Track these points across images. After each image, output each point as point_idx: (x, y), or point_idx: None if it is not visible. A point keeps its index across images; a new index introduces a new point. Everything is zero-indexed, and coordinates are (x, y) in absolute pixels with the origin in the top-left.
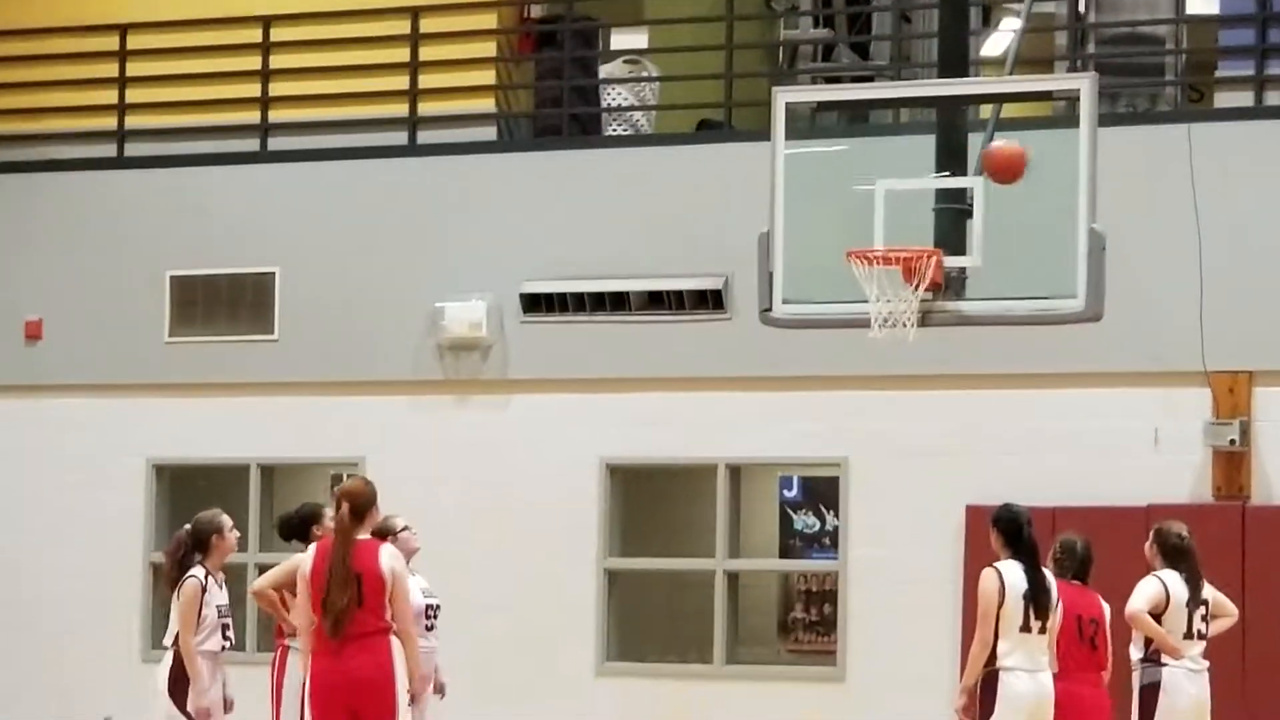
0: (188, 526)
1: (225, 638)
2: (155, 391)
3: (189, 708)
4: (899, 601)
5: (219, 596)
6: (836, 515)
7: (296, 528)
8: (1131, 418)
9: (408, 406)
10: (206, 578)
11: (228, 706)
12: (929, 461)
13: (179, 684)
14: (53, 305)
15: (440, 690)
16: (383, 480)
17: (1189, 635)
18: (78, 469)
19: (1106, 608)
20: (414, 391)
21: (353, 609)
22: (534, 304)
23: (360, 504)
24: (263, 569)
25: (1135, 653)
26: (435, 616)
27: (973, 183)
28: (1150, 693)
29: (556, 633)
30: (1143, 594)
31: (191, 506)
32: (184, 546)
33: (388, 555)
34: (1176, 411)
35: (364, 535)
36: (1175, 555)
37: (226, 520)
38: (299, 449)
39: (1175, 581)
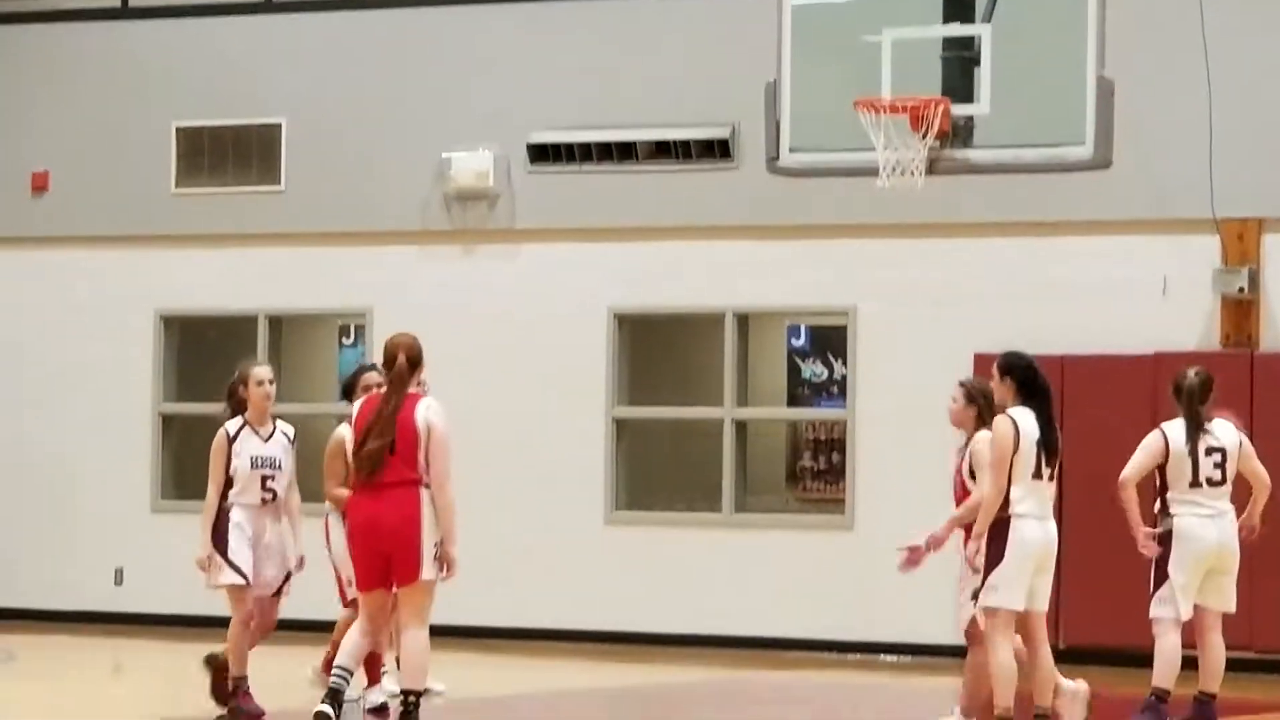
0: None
1: (265, 489)
2: (162, 243)
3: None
4: (907, 450)
5: (255, 447)
6: (844, 364)
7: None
8: (1140, 265)
9: (415, 257)
10: (241, 429)
11: (299, 565)
12: (937, 310)
13: (219, 533)
14: (59, 157)
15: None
16: (390, 330)
17: (1195, 484)
18: (86, 321)
19: None
20: (422, 242)
21: (385, 457)
22: (541, 154)
23: (415, 356)
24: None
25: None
26: None
27: (980, 30)
28: (1164, 541)
29: (565, 482)
30: (1135, 457)
31: (200, 358)
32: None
33: (424, 408)
34: (1185, 259)
35: (410, 389)
36: (1175, 397)
37: (259, 371)
38: (307, 300)
39: (1175, 430)
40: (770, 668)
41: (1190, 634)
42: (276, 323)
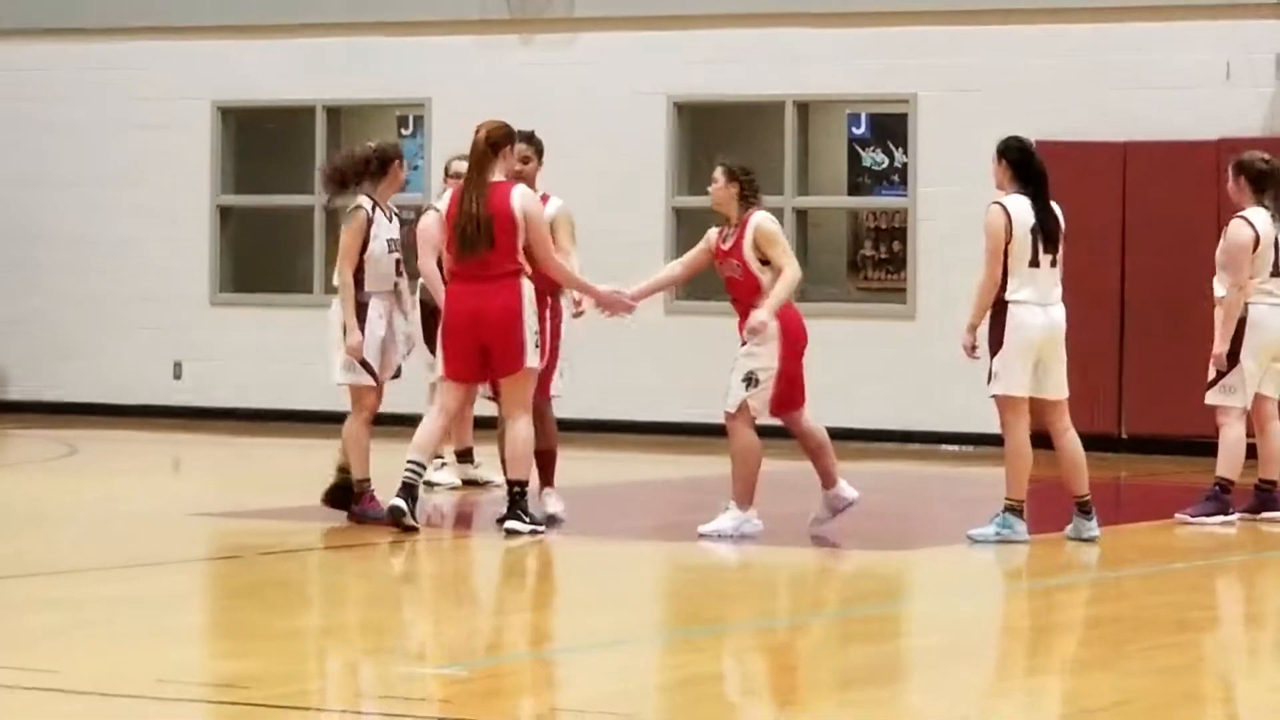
0: (350, 152)
1: (398, 273)
2: (220, 33)
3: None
4: (968, 238)
5: (388, 230)
6: (905, 152)
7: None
8: (1203, 50)
9: (474, 46)
10: (374, 210)
11: (410, 341)
12: (998, 96)
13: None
14: None
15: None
16: (448, 120)
17: (1276, 273)
18: (144, 112)
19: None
20: (480, 31)
21: (483, 250)
22: None
23: (497, 136)
24: (329, 211)
25: (1219, 288)
26: None
27: None
28: (1237, 327)
29: (624, 271)
30: (1230, 252)
31: (258, 149)
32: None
33: (519, 195)
34: (1248, 43)
35: (498, 176)
36: (1258, 182)
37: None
38: (365, 90)
39: (1261, 219)
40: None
41: (1248, 423)
42: (334, 114)
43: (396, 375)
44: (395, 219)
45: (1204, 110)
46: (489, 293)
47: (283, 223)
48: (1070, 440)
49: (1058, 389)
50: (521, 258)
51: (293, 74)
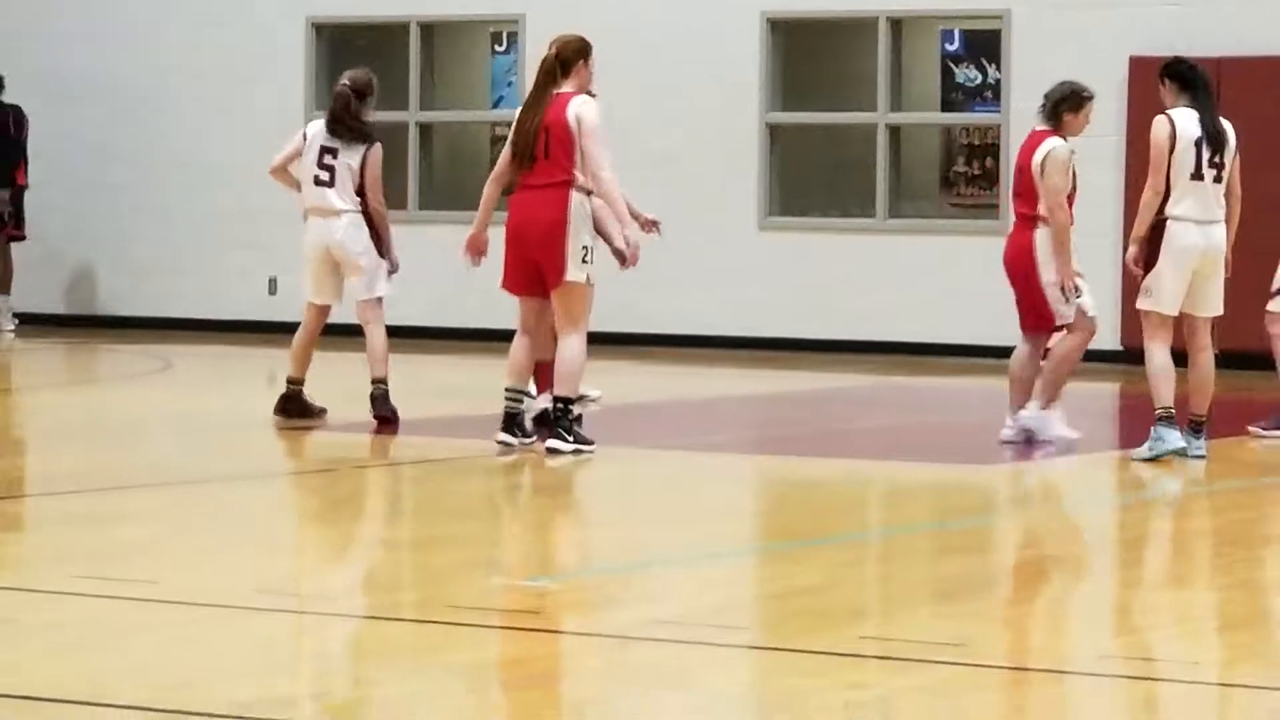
0: (344, 81)
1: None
2: None
3: (389, 261)
4: None
5: None
6: (998, 68)
7: None
8: None
9: None
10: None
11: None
12: (1093, 12)
13: (385, 241)
14: None
15: (653, 225)
16: (542, 37)
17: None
18: (238, 29)
19: (1042, 154)
20: None
21: (537, 159)
22: None
23: (567, 53)
24: (423, 128)
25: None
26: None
27: None
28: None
29: (719, 187)
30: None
31: (351, 66)
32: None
33: (576, 104)
34: None
35: (568, 89)
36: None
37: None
38: (459, 6)
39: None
40: (922, 373)
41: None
42: (428, 30)
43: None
44: None
45: None
46: (537, 203)
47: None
48: (1206, 360)
49: (1212, 307)
50: (577, 169)
51: None
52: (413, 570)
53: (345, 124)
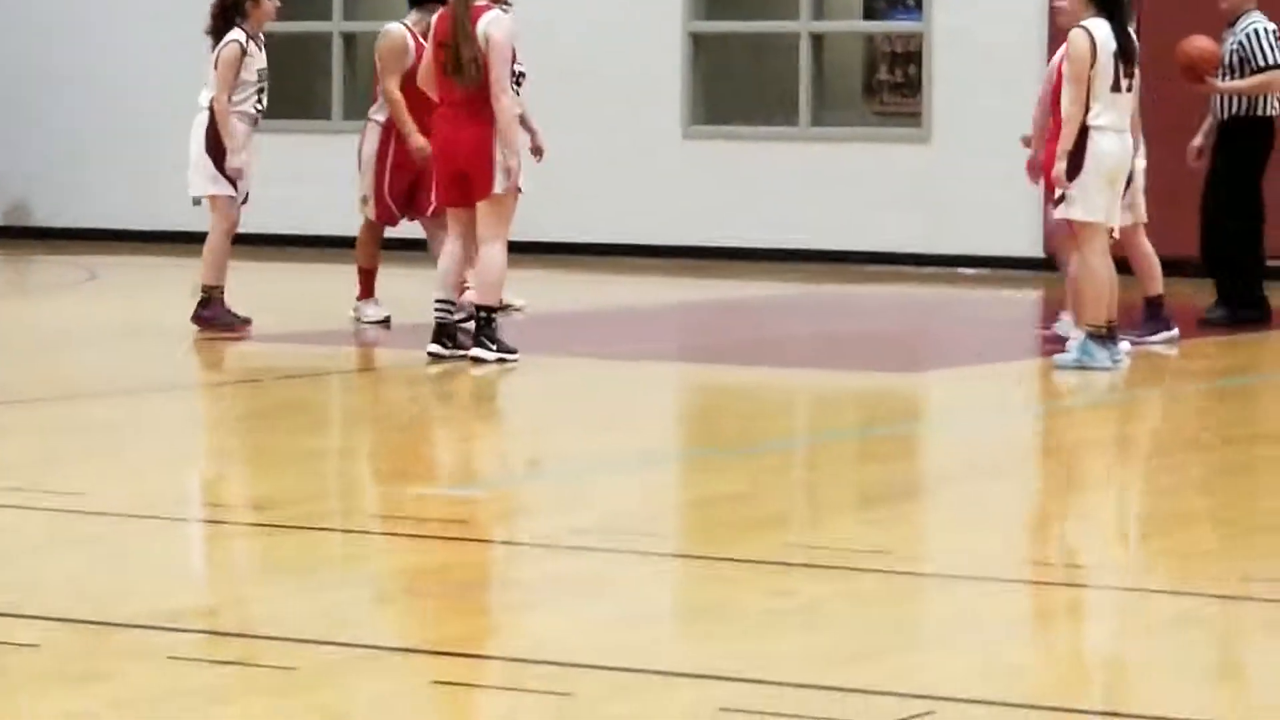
0: None
1: (260, 103)
2: None
3: (225, 168)
4: (984, 64)
5: (258, 60)
6: None
7: None
8: None
9: None
10: (247, 41)
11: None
12: None
13: (216, 144)
14: None
15: (538, 152)
16: None
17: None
18: None
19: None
20: None
21: (470, 76)
22: None
23: None
24: (346, 38)
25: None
26: (520, 84)
27: None
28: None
29: (642, 96)
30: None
31: None
32: (224, 7)
33: (486, 20)
34: None
35: (480, 1)
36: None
37: None
38: None
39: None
40: (847, 281)
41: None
42: None
43: (245, 200)
44: (263, 50)
45: None
46: (461, 118)
47: (300, 50)
48: (1111, 265)
49: (1119, 215)
50: (496, 84)
51: None
52: (335, 480)
53: (212, 22)
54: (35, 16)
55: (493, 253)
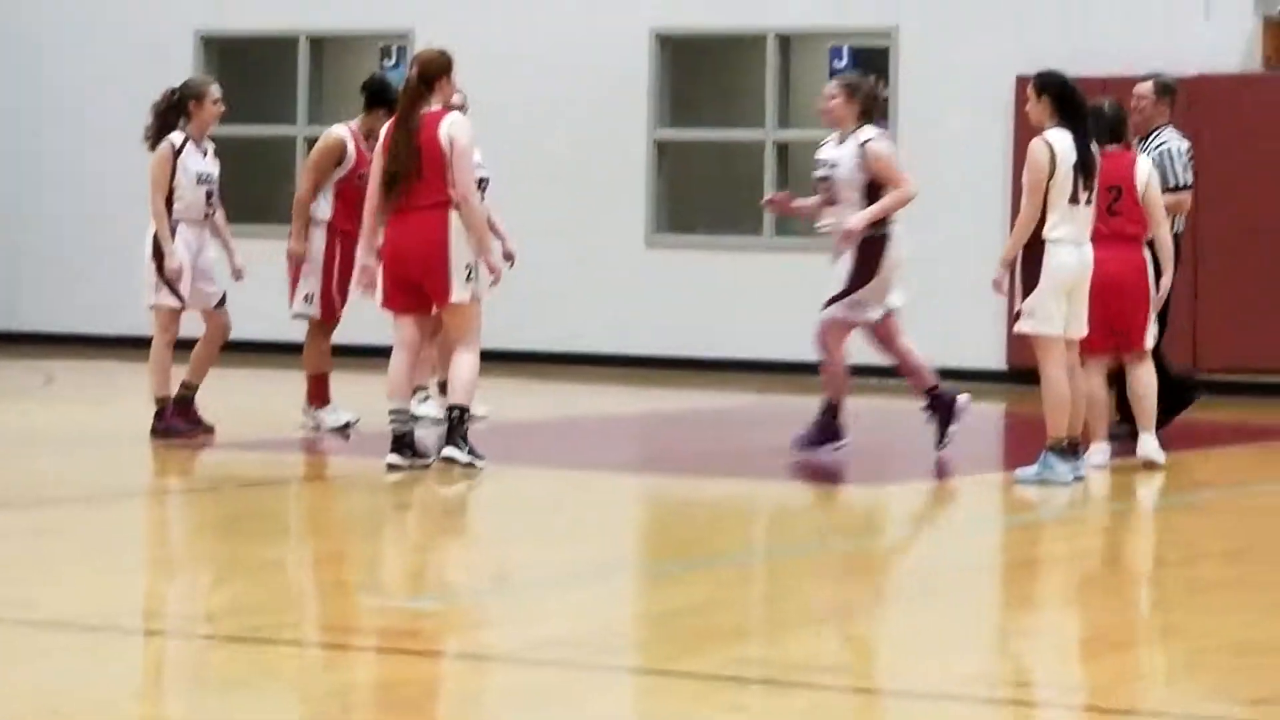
0: (172, 87)
1: (209, 205)
2: None
3: (164, 273)
4: (949, 172)
5: (199, 164)
6: (886, 85)
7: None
8: None
9: None
10: (184, 143)
11: (237, 275)
12: (980, 31)
13: (159, 251)
14: None
15: (509, 258)
16: None
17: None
18: (125, 41)
19: (1142, 169)
20: None
21: (413, 181)
22: None
23: (429, 71)
24: (310, 142)
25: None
26: (485, 189)
27: None
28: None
29: (607, 204)
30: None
31: (240, 80)
32: (164, 110)
33: (448, 124)
34: None
35: (434, 106)
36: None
37: (216, 89)
38: (348, 21)
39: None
40: (811, 392)
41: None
42: (318, 44)
43: (223, 301)
44: (209, 153)
45: (1183, 46)
46: (416, 226)
47: (264, 152)
48: (1078, 380)
49: (1081, 328)
50: (452, 190)
51: (276, 4)
52: (290, 590)
53: (151, 124)
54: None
55: (465, 359)
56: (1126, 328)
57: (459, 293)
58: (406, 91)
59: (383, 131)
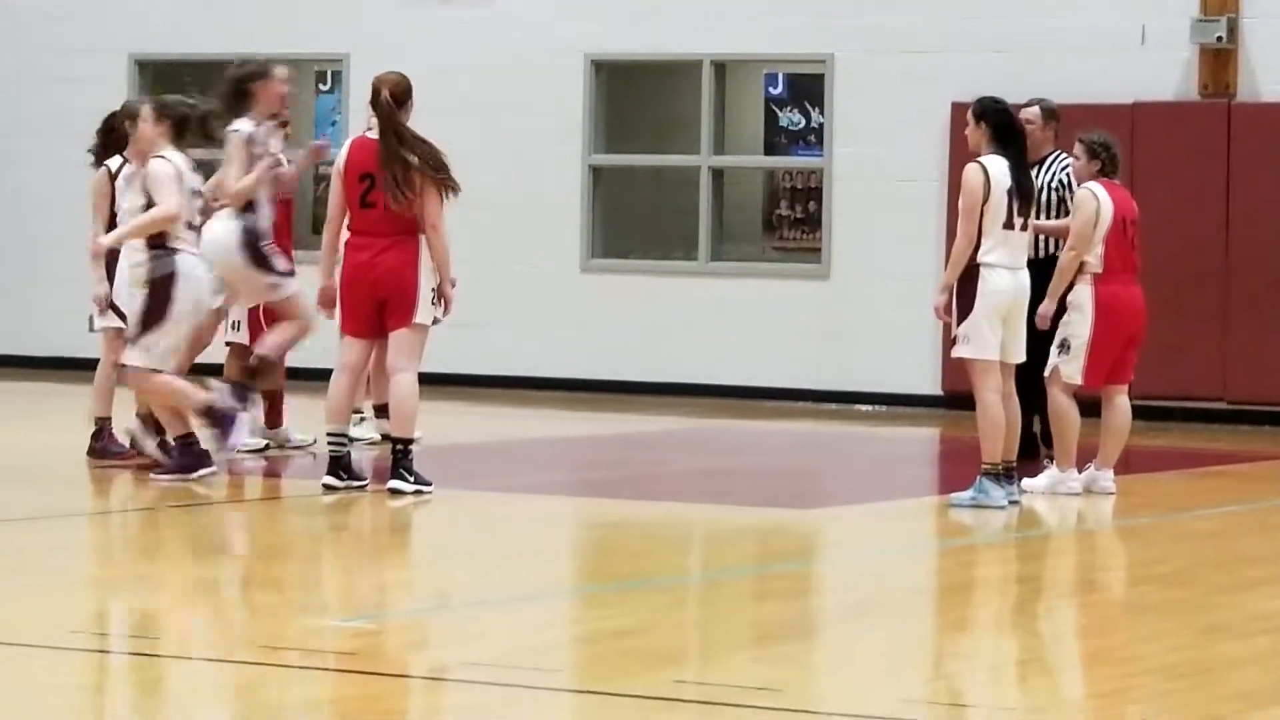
0: (114, 111)
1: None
2: None
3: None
4: (884, 199)
5: (135, 190)
6: (822, 112)
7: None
8: (1119, 14)
9: (394, 2)
10: (122, 167)
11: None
12: (914, 57)
13: (108, 275)
14: None
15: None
16: (366, 76)
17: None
18: (57, 65)
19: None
20: None
21: (380, 205)
22: None
23: (399, 91)
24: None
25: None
26: None
27: None
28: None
29: (542, 230)
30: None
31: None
32: (107, 130)
33: None
34: (1163, 8)
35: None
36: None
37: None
38: (283, 44)
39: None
40: (745, 417)
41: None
42: None
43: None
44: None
45: (1119, 74)
46: (385, 247)
47: (205, 175)
48: (1012, 406)
49: (1018, 353)
50: (419, 214)
51: (210, 27)
52: (228, 610)
53: (96, 143)
54: None
55: (405, 382)
56: (1135, 358)
57: (423, 314)
58: (383, 113)
59: (341, 154)
